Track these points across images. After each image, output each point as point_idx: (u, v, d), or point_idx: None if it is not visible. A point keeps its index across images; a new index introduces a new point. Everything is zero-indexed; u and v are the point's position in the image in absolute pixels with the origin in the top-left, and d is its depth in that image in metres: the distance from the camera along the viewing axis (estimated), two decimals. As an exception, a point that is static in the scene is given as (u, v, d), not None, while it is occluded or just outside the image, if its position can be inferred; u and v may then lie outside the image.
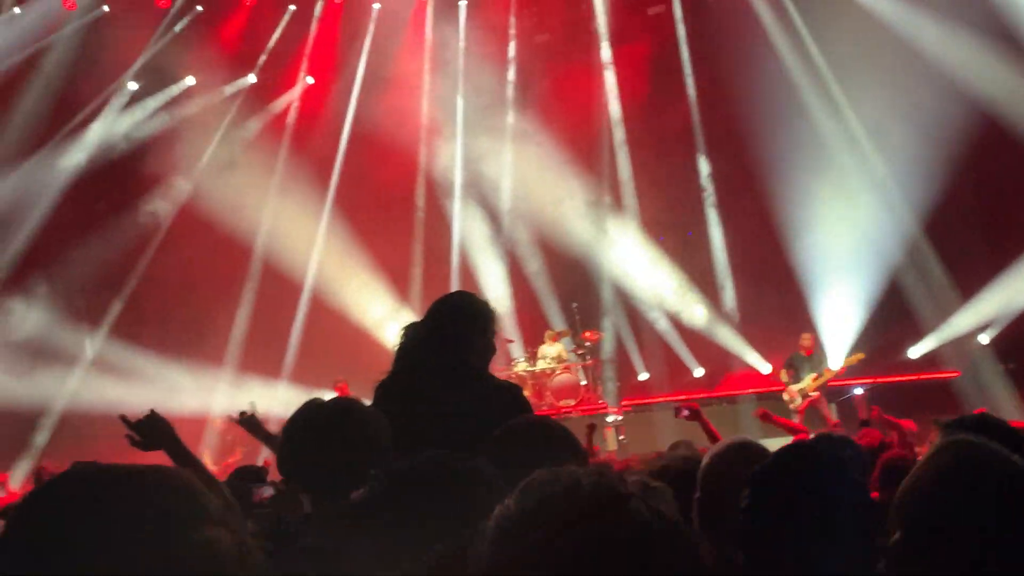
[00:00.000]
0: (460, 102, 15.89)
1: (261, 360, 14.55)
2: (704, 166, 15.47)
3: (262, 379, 14.23)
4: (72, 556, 1.20)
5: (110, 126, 14.73)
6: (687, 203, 15.38)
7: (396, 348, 3.71)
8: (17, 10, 13.97)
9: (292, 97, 16.30)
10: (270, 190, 15.27)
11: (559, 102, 15.26)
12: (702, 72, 15.28)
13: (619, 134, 15.72)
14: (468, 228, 15.85)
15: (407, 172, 15.86)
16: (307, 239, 15.41)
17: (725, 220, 15.25)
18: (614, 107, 15.77)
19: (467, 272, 15.59)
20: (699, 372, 15.16)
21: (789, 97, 14.12)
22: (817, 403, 12.20)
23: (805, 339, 12.77)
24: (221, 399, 13.59)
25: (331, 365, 13.61)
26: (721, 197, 15.35)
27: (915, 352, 13.79)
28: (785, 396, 12.41)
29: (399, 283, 15.31)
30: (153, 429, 3.28)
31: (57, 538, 1.21)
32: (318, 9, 15.89)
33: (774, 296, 13.99)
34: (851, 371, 12.51)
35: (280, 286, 15.09)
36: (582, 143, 15.39)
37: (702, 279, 15.20)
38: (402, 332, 3.73)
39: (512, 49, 16.00)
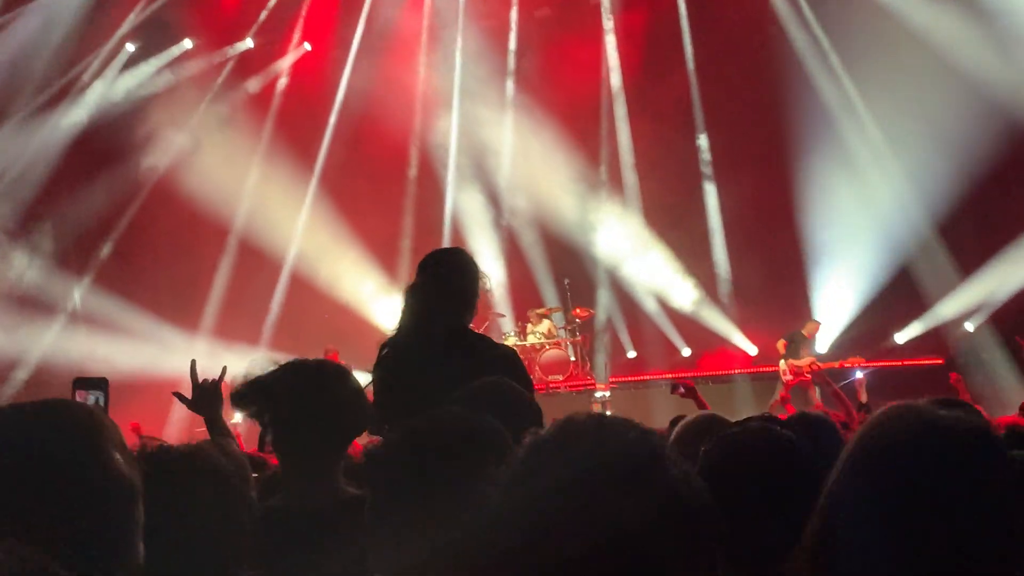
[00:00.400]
0: (458, 71, 15.81)
1: (242, 327, 14.47)
2: (703, 141, 15.40)
3: (242, 345, 14.13)
4: None
5: (110, 85, 14.63)
6: (685, 179, 15.33)
7: (402, 306, 3.79)
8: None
9: (286, 63, 16.19)
10: (257, 156, 15.18)
11: (558, 75, 15.22)
12: (702, 44, 15.26)
13: (619, 108, 15.65)
14: (462, 200, 15.85)
15: (400, 142, 15.85)
16: (293, 207, 15.35)
17: (723, 197, 15.23)
18: (614, 80, 15.70)
19: (459, 245, 15.53)
20: (687, 352, 15.25)
21: (792, 71, 14.09)
22: (807, 384, 12.35)
23: (812, 325, 13.16)
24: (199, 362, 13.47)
25: (315, 335, 13.59)
26: (720, 173, 15.33)
27: (901, 337, 13.88)
28: (782, 364, 12.70)
29: (388, 255, 15.27)
30: (211, 395, 3.35)
31: None
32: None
33: (769, 276, 14.06)
34: (845, 353, 12.70)
35: (262, 254, 15.02)
36: (581, 116, 15.41)
37: (696, 258, 15.20)
38: (407, 291, 3.80)
39: (513, 18, 15.93)
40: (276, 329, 15.08)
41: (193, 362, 3.49)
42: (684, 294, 15.16)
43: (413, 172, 16.09)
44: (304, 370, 2.62)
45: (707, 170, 15.44)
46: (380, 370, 3.73)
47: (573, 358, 14.13)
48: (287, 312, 15.20)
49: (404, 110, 15.56)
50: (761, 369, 13.73)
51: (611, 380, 14.17)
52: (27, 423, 1.34)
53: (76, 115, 14.20)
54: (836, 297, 13.97)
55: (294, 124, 15.63)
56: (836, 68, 14.04)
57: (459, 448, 1.86)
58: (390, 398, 3.56)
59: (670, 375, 13.97)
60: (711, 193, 15.41)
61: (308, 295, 14.75)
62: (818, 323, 13.27)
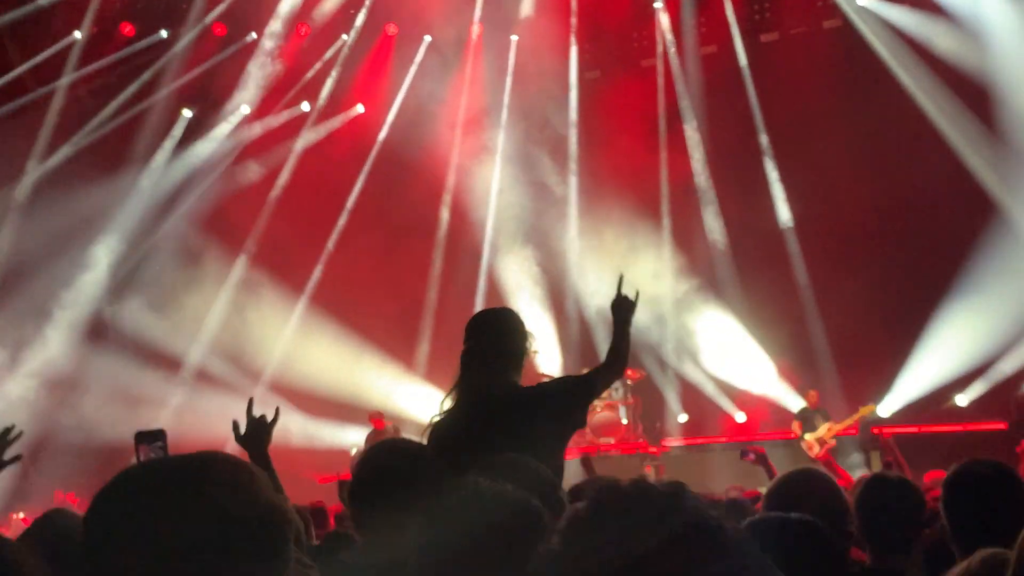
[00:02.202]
0: (502, 137, 16.17)
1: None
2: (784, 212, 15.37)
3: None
4: (147, 539, 1.30)
5: (171, 154, 15.31)
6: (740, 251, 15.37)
7: (457, 379, 3.84)
8: (77, 34, 14.46)
9: (336, 124, 16.69)
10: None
11: (611, 138, 15.36)
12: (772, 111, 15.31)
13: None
14: (501, 263, 16.03)
15: (432, 202, 16.23)
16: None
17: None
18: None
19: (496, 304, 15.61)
20: (741, 417, 15.11)
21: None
22: (833, 451, 12.53)
23: (811, 395, 13.25)
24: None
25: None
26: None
27: (962, 399, 13.66)
28: (803, 445, 12.72)
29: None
30: (260, 431, 3.48)
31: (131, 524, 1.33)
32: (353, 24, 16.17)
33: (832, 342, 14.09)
34: (896, 418, 12.60)
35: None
36: (639, 176, 15.44)
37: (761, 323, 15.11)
38: (462, 360, 3.85)
39: (573, 78, 16.17)
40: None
41: (251, 399, 3.63)
42: (745, 364, 15.01)
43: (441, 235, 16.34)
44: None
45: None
46: (434, 436, 3.76)
47: (625, 420, 14.13)
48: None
49: (439, 173, 16.02)
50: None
51: (663, 443, 14.14)
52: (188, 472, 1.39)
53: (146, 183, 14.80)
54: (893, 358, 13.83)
55: (325, 182, 16.10)
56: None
57: (507, 529, 1.96)
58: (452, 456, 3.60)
59: (724, 439, 13.93)
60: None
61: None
62: (815, 392, 13.33)
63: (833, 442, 12.59)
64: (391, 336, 15.43)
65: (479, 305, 15.57)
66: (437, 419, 3.81)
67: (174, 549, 1.29)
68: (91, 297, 14.59)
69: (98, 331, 14.43)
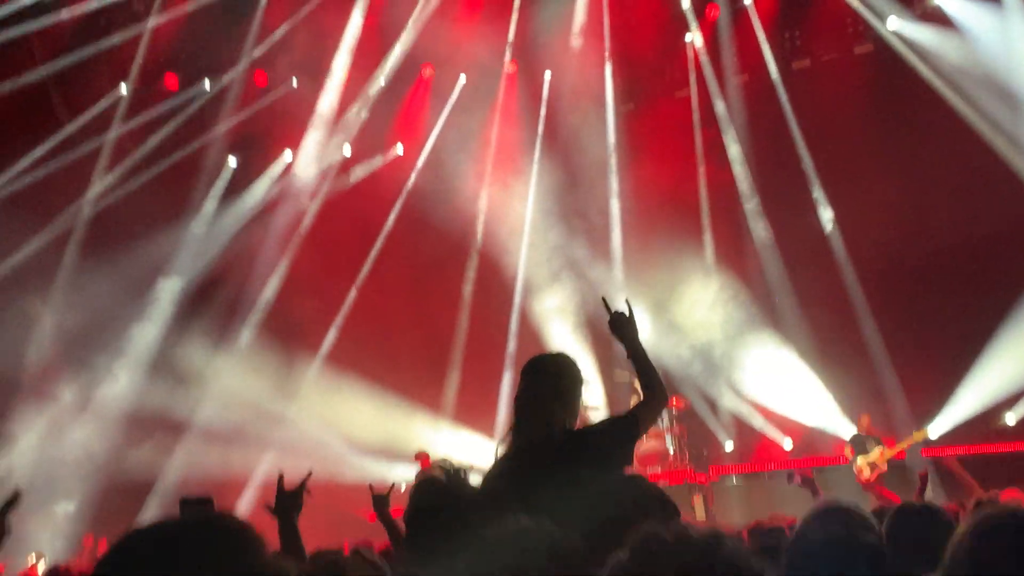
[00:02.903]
0: (535, 169, 16.50)
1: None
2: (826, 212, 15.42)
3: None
4: None
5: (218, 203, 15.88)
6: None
7: (513, 419, 3.88)
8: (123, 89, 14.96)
9: (375, 166, 17.06)
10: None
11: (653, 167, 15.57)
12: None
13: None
14: (535, 297, 16.25)
15: (464, 238, 16.52)
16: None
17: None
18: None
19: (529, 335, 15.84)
20: (788, 444, 15.12)
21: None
22: (884, 476, 12.44)
23: (862, 419, 13.14)
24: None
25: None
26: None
27: (1011, 418, 13.63)
28: (854, 469, 12.64)
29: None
30: (288, 501, 3.71)
31: None
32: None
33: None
34: (945, 440, 12.60)
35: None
36: (677, 213, 15.56)
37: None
38: (516, 404, 3.88)
39: (609, 108, 16.42)
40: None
41: (280, 476, 3.79)
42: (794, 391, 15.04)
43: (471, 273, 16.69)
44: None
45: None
46: (485, 481, 3.76)
47: (671, 449, 14.19)
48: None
49: (469, 212, 16.33)
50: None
51: (711, 472, 14.18)
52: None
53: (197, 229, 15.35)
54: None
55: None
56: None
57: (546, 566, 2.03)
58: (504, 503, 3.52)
59: (772, 467, 13.93)
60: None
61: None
62: (867, 416, 13.23)
63: (884, 467, 12.52)
64: (420, 375, 15.72)
65: (512, 342, 15.80)
66: (491, 466, 3.84)
67: None
68: (156, 337, 15.05)
69: (164, 371, 14.76)
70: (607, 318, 4.11)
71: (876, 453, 12.57)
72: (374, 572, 3.36)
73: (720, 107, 15.96)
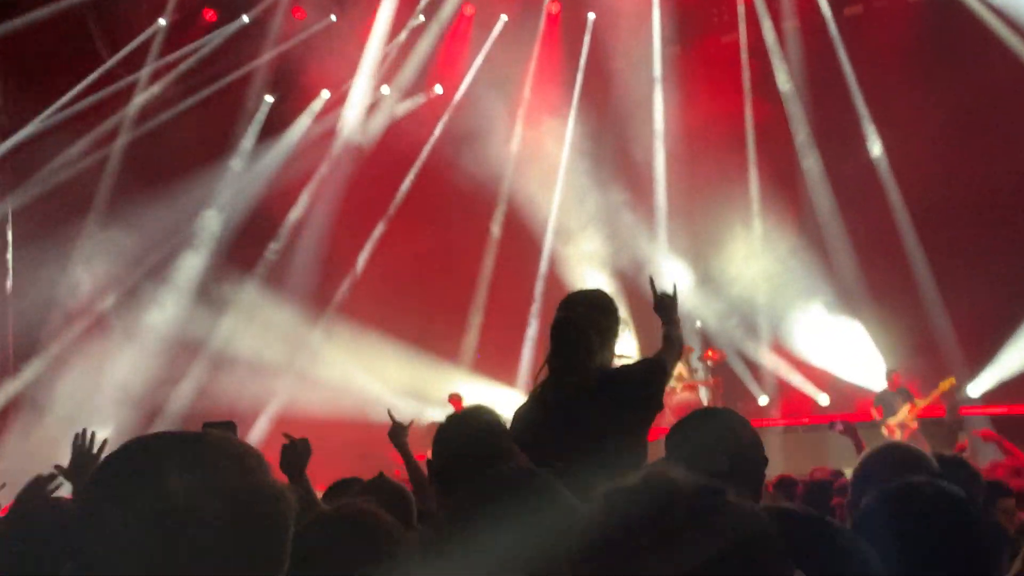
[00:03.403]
0: (575, 108, 16.36)
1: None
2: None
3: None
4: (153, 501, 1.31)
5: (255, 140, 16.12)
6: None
7: (550, 352, 3.83)
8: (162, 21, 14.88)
9: (414, 106, 16.92)
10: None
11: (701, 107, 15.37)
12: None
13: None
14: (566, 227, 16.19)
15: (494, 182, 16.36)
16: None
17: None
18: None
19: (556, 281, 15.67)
20: (825, 400, 14.98)
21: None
22: (916, 434, 12.16)
23: (892, 377, 13.00)
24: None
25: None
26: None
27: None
28: (884, 431, 12.40)
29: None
30: (301, 454, 3.64)
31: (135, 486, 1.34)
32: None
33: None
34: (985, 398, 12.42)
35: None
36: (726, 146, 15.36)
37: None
38: (553, 329, 3.85)
39: (656, 47, 16.12)
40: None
41: (284, 442, 3.74)
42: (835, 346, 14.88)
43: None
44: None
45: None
46: (518, 420, 3.78)
47: (706, 401, 14.15)
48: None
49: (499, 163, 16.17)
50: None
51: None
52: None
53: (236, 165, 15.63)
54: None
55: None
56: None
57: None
58: (536, 439, 3.59)
59: (807, 420, 13.85)
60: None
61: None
62: (895, 371, 13.11)
63: (915, 424, 12.30)
64: (444, 319, 15.95)
65: (540, 286, 15.72)
66: (525, 404, 3.85)
67: (171, 522, 1.30)
68: (199, 268, 15.26)
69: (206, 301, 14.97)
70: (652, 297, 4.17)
71: (904, 411, 12.36)
72: (401, 492, 3.33)
73: (770, 41, 15.63)
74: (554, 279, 15.86)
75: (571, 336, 3.76)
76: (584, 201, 16.03)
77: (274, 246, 15.97)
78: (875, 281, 14.32)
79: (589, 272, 15.45)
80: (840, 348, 14.80)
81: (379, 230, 16.57)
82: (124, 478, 1.35)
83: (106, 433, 3.96)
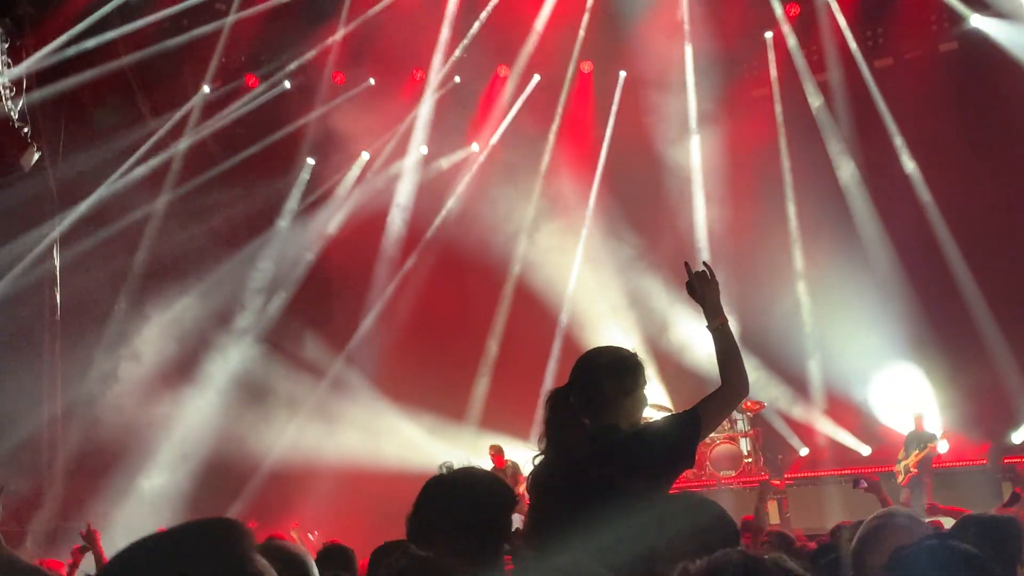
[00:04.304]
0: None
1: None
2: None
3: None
4: None
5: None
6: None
7: (543, 422, 3.63)
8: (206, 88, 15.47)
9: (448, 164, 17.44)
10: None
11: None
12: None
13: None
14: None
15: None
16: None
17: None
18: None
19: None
20: (866, 451, 14.95)
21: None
22: (916, 479, 12.47)
23: (916, 418, 13.19)
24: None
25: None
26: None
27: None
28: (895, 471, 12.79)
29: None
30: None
31: None
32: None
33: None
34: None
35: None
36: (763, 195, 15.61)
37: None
38: (547, 403, 3.62)
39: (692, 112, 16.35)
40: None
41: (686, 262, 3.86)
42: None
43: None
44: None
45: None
46: (536, 480, 3.62)
47: (746, 452, 14.19)
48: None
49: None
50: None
51: (786, 476, 14.13)
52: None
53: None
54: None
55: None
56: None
57: None
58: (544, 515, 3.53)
59: (848, 471, 13.81)
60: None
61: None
62: (919, 414, 13.23)
63: (916, 471, 12.52)
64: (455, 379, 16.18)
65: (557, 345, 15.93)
66: (537, 463, 3.63)
67: None
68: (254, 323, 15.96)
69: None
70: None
71: (912, 456, 12.56)
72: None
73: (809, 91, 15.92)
74: (571, 338, 15.92)
75: (598, 399, 3.57)
76: (608, 256, 16.28)
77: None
78: (922, 328, 14.27)
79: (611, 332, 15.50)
80: (884, 397, 14.79)
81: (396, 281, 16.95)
82: None
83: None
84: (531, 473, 3.61)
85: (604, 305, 16.02)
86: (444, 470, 2.76)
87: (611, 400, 3.53)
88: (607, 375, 3.55)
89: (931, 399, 14.22)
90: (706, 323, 3.73)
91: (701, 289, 3.73)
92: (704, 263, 3.85)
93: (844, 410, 15.16)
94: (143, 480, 13.79)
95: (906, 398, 14.33)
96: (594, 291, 16.22)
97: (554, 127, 17.03)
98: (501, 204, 16.22)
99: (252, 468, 14.54)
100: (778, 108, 16.19)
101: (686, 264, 3.84)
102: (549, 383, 15.39)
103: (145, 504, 13.35)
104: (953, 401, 13.86)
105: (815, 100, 15.87)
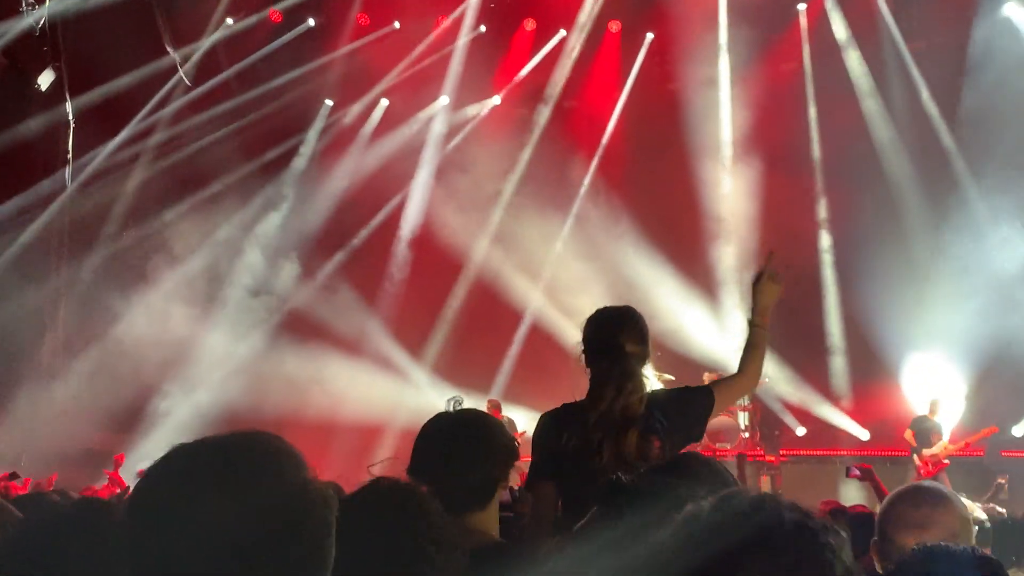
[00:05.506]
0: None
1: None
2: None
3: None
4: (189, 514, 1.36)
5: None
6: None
7: (605, 371, 3.63)
8: (229, 20, 15.38)
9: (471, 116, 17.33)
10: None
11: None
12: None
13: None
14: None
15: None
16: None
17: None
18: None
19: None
20: (865, 435, 14.95)
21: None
22: (944, 471, 12.15)
23: (933, 404, 12.90)
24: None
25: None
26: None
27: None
28: (917, 461, 12.46)
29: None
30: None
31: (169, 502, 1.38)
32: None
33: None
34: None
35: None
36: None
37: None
38: (612, 353, 3.63)
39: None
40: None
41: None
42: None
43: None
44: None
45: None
46: (544, 435, 3.67)
47: (743, 426, 14.25)
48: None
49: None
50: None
51: (781, 453, 14.21)
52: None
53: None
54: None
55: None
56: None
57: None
58: (560, 456, 3.57)
59: (844, 452, 13.88)
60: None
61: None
62: (938, 399, 12.96)
63: (947, 462, 12.31)
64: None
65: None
66: (552, 414, 3.70)
67: (216, 530, 1.34)
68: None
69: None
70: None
71: (941, 445, 12.36)
72: None
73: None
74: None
75: (600, 358, 3.64)
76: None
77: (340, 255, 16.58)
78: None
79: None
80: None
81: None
82: (168, 491, 1.39)
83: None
84: (545, 426, 3.64)
85: (589, 272, 15.77)
86: (452, 406, 2.73)
87: (647, 355, 3.66)
88: (645, 331, 3.67)
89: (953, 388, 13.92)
90: (749, 316, 3.90)
91: (765, 286, 3.88)
92: (781, 266, 3.95)
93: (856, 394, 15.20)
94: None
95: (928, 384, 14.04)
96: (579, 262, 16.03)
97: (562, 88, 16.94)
98: (501, 158, 16.33)
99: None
100: (809, 87, 16.02)
101: (771, 253, 4.00)
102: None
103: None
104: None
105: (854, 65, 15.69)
